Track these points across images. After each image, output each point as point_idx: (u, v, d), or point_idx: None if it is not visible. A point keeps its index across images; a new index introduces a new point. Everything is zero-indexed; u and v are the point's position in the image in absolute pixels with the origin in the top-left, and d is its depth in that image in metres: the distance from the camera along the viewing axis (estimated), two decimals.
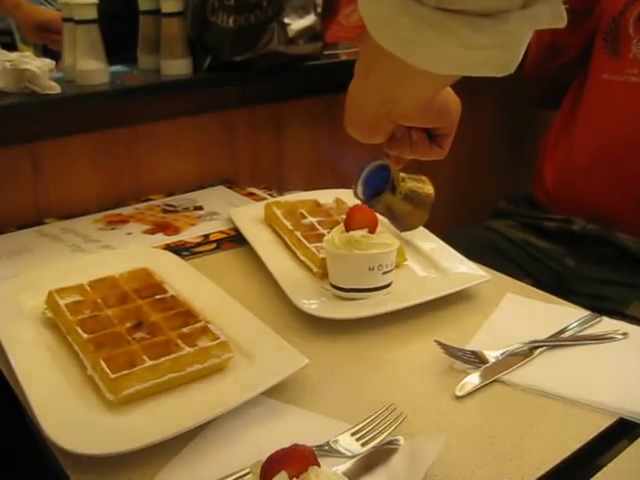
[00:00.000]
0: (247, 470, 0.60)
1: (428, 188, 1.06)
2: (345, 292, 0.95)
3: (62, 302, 0.89)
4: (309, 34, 1.43)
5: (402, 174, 1.02)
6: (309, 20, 1.42)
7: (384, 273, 0.95)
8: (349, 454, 0.67)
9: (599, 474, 0.67)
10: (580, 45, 1.55)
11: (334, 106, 1.64)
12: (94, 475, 0.67)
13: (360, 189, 1.02)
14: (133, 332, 0.84)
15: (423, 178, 1.07)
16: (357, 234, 0.94)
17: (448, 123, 0.79)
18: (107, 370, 0.74)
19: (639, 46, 1.42)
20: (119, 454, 0.67)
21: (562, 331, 0.90)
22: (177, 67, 1.40)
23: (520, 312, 0.96)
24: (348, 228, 0.95)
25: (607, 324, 0.92)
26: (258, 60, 1.38)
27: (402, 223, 1.09)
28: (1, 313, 0.91)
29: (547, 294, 1.01)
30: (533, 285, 1.08)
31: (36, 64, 1.24)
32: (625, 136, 1.42)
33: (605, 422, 0.74)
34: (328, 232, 1.08)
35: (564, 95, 1.59)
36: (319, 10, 1.44)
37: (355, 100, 0.72)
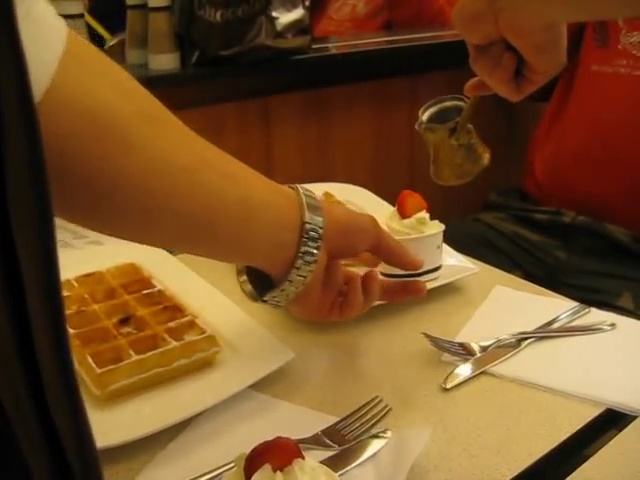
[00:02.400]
0: (233, 464, 0.60)
1: (485, 158, 1.01)
2: (418, 277, 0.95)
3: None
4: (297, 28, 1.43)
5: (471, 126, 0.98)
6: (297, 14, 1.42)
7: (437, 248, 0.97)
8: (336, 447, 0.67)
9: (585, 464, 0.67)
10: (569, 37, 1.55)
11: (323, 100, 1.65)
12: None
13: (426, 114, 0.98)
14: (120, 327, 0.83)
15: (487, 148, 1.03)
16: (423, 215, 0.96)
17: (545, 65, 0.74)
18: (93, 365, 0.74)
19: (628, 37, 1.42)
20: (105, 449, 0.66)
21: (550, 322, 0.90)
22: (165, 62, 1.40)
23: (509, 304, 0.96)
24: (404, 214, 0.95)
25: (596, 315, 0.92)
26: (246, 54, 1.38)
27: (439, 169, 1.03)
28: None
29: (536, 286, 1.01)
30: (524, 277, 1.08)
31: None
32: (614, 127, 1.42)
33: (592, 413, 0.74)
34: None
35: (554, 87, 1.59)
36: (307, 3, 1.43)
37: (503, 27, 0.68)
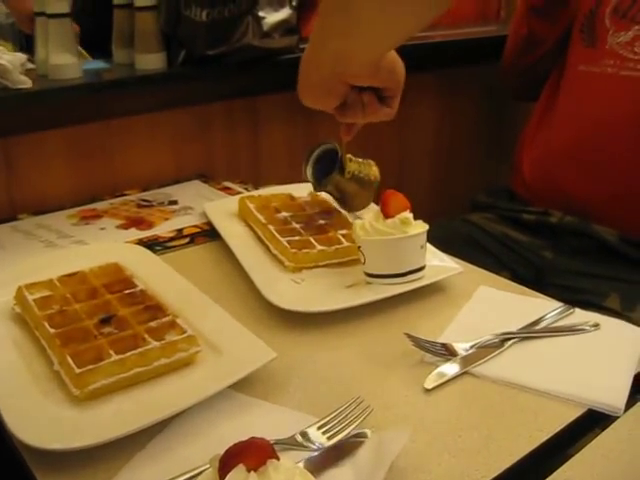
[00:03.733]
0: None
1: (374, 170, 1.09)
2: (401, 277, 0.96)
3: (31, 297, 0.88)
4: (284, 27, 1.43)
5: (349, 155, 1.05)
6: (284, 13, 1.42)
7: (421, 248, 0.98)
8: (315, 447, 0.67)
9: (566, 464, 0.67)
10: (557, 37, 1.55)
11: None
12: (58, 470, 0.66)
13: (310, 170, 1.07)
14: (101, 327, 0.83)
15: (370, 161, 1.10)
16: (406, 215, 0.95)
17: (395, 83, 0.87)
18: (73, 365, 0.74)
19: (615, 37, 1.42)
20: (84, 449, 0.66)
21: (534, 323, 0.90)
22: (151, 61, 1.39)
23: (493, 304, 0.96)
24: (387, 214, 0.95)
25: (580, 315, 0.92)
26: (233, 54, 1.37)
27: (350, 204, 1.11)
28: None
29: (520, 286, 1.01)
30: (511, 278, 1.07)
31: (7, 58, 1.22)
32: (601, 127, 1.42)
33: (574, 413, 0.74)
34: (302, 226, 1.09)
35: (542, 87, 1.59)
36: (294, 3, 1.43)
37: (311, 63, 0.81)
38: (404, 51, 1.73)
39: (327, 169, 1.04)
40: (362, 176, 1.06)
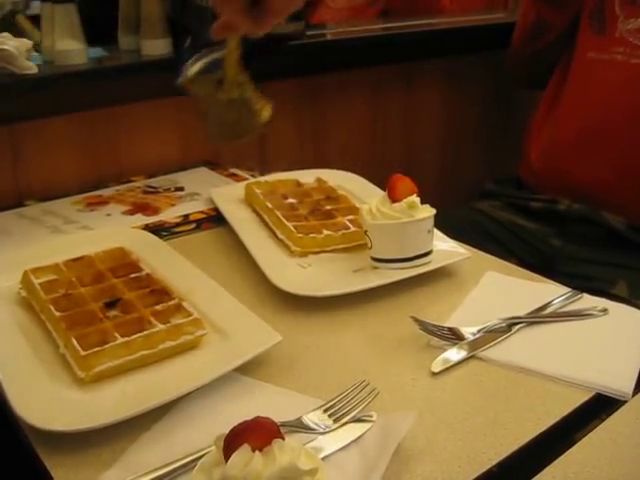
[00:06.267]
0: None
1: (263, 114, 0.92)
2: (408, 261, 0.95)
3: (37, 281, 0.88)
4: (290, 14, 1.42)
5: (243, 78, 0.90)
6: None
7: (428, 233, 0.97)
8: (321, 430, 0.67)
9: (574, 448, 0.66)
10: (565, 24, 1.54)
11: (318, 86, 1.64)
12: (63, 451, 0.66)
13: (191, 66, 0.89)
14: (106, 310, 0.83)
15: (267, 102, 0.94)
16: (413, 199, 0.94)
17: None
18: (78, 347, 0.74)
19: (625, 24, 1.41)
20: (88, 430, 0.66)
21: (542, 308, 0.89)
22: (157, 47, 1.38)
23: (500, 289, 0.96)
24: (394, 198, 0.94)
25: (588, 301, 0.92)
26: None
27: (211, 126, 0.94)
28: None
29: (528, 272, 1.01)
30: (519, 266, 1.07)
31: (13, 44, 1.22)
32: (610, 114, 1.41)
33: (582, 397, 0.74)
34: (308, 212, 1.08)
35: (550, 75, 1.58)
36: None
37: None
38: (412, 38, 1.73)
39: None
40: (245, 106, 0.90)
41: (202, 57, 0.89)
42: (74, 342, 0.75)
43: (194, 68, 0.88)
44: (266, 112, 0.92)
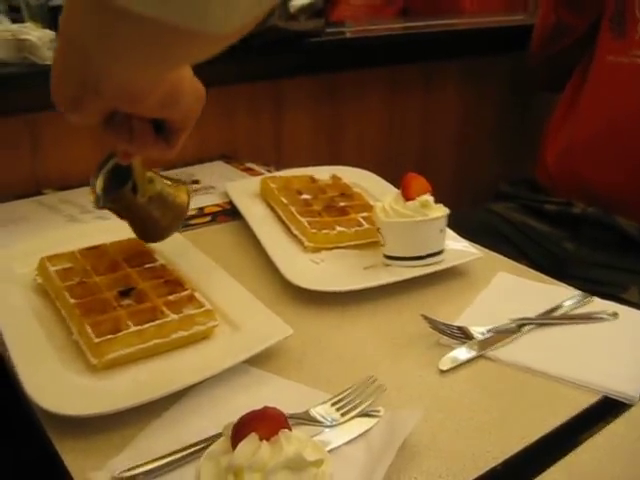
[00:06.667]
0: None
1: (182, 196, 0.92)
2: (420, 260, 0.96)
3: (52, 269, 0.90)
4: (311, 11, 1.43)
5: (151, 174, 0.89)
6: None
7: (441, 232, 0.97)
8: (328, 423, 0.67)
9: (579, 449, 0.67)
10: (585, 26, 1.54)
11: (335, 84, 1.65)
12: (75, 436, 0.67)
13: (100, 181, 0.86)
14: (120, 299, 0.84)
15: (181, 185, 0.94)
16: (427, 198, 0.95)
17: (178, 116, 0.67)
18: (92, 334, 0.75)
19: None
20: (99, 416, 0.67)
21: (552, 310, 0.89)
22: None
23: (511, 290, 0.96)
24: (408, 197, 0.95)
25: (598, 304, 0.92)
26: (258, 36, 1.37)
27: (144, 230, 0.94)
28: None
29: (539, 274, 1.01)
30: (531, 268, 1.07)
31: (36, 34, 1.23)
32: (628, 118, 1.41)
33: (588, 400, 0.74)
34: (322, 208, 1.09)
35: (568, 78, 1.58)
36: None
37: (57, 63, 0.58)
38: (430, 38, 1.74)
39: (122, 185, 0.85)
40: (163, 202, 0.89)
41: (102, 167, 0.86)
42: (88, 329, 0.76)
43: (99, 184, 0.86)
44: (184, 195, 0.92)
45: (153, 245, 0.97)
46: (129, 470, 0.62)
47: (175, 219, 0.93)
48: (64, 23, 0.54)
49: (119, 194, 0.84)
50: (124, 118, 0.65)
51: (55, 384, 0.72)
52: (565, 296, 0.92)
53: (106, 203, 0.86)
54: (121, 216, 0.90)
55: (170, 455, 0.63)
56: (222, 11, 0.39)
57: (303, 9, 1.41)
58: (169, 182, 0.91)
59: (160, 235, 0.94)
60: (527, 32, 1.65)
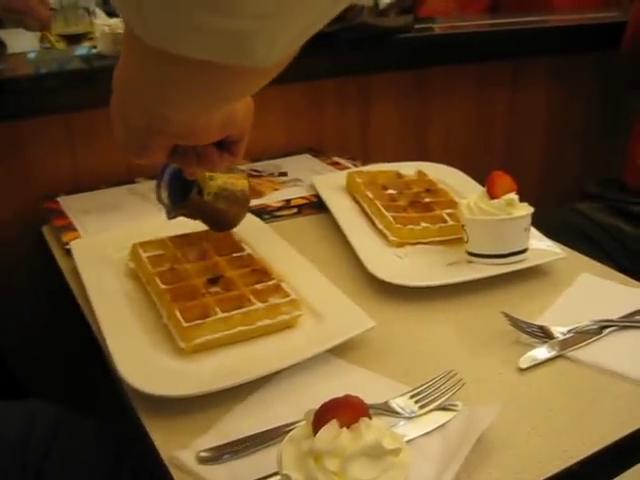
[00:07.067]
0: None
1: (242, 183, 0.95)
2: (504, 258, 0.96)
3: (144, 255, 0.93)
4: (400, 7, 1.43)
5: (206, 173, 0.91)
6: None
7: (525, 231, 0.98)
8: (406, 414, 0.69)
9: None
10: None
11: (423, 80, 1.66)
12: (162, 416, 0.71)
13: (165, 193, 0.89)
14: (209, 286, 0.87)
15: (238, 174, 0.97)
16: (512, 197, 0.95)
17: (236, 131, 0.70)
18: (181, 319, 0.78)
19: None
20: (186, 397, 0.71)
21: (635, 313, 0.88)
22: None
23: (594, 292, 0.95)
24: (493, 195, 0.96)
25: None
26: (348, 31, 1.38)
27: (216, 223, 0.98)
28: (89, 263, 0.96)
29: (623, 276, 0.99)
30: (616, 270, 1.06)
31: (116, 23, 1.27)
32: None
33: None
34: (408, 203, 1.10)
35: None
36: None
37: (118, 118, 0.62)
38: (519, 35, 1.72)
39: (185, 188, 0.88)
40: (227, 193, 0.92)
41: (161, 178, 0.89)
42: (177, 314, 0.79)
43: (164, 195, 0.89)
44: (244, 181, 0.95)
45: (241, 235, 1.00)
46: (213, 450, 0.65)
47: (241, 206, 0.97)
48: (118, 77, 0.58)
49: (187, 201, 0.88)
50: (187, 147, 0.69)
51: (145, 365, 0.75)
52: None
53: (177, 212, 0.90)
54: (193, 217, 0.94)
55: (253, 437, 0.65)
56: (266, 47, 0.40)
57: (392, 5, 1.42)
58: (227, 173, 0.94)
59: (232, 224, 0.98)
60: (619, 30, 1.62)
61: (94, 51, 1.38)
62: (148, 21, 0.39)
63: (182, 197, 0.88)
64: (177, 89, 0.50)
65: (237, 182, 0.95)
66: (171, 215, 0.91)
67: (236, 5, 0.37)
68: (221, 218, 0.96)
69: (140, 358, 0.76)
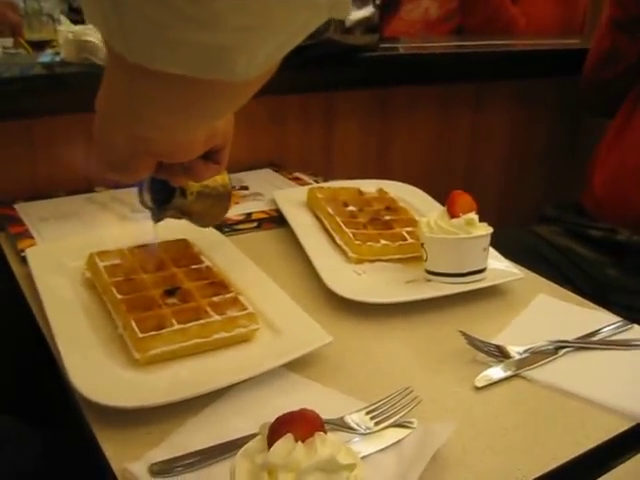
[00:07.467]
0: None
1: (221, 177, 0.94)
2: (462, 277, 0.97)
3: (101, 264, 0.92)
4: (366, 25, 1.44)
5: None
6: (367, 12, 1.43)
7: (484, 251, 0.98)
8: (362, 430, 0.69)
9: (607, 475, 0.67)
10: (638, 53, 1.53)
11: (387, 99, 1.67)
12: (115, 427, 0.69)
13: (148, 197, 0.88)
14: (166, 297, 0.86)
15: (215, 173, 0.92)
16: (472, 216, 0.96)
17: (219, 142, 0.71)
18: (136, 330, 0.77)
19: None
20: (140, 409, 0.69)
21: (591, 334, 0.89)
22: None
23: (550, 312, 0.96)
24: (453, 214, 0.96)
25: (638, 332, 0.91)
26: (313, 47, 1.39)
27: (202, 220, 0.97)
28: (44, 271, 0.94)
29: (580, 298, 1.01)
30: (573, 292, 1.07)
31: (97, 36, 1.27)
32: None
33: (621, 426, 0.74)
34: (368, 221, 1.10)
35: (619, 104, 1.58)
36: (378, 2, 1.44)
37: (102, 142, 0.62)
38: (484, 58, 1.74)
39: (165, 192, 0.87)
40: (209, 190, 0.92)
41: (142, 183, 0.87)
42: (133, 324, 0.78)
43: (147, 199, 0.88)
44: (223, 177, 0.94)
45: (200, 247, 0.99)
46: (166, 462, 0.64)
47: (225, 200, 0.96)
48: (100, 102, 0.59)
49: (172, 204, 0.88)
50: (175, 166, 0.69)
51: (98, 375, 0.74)
52: (605, 322, 0.92)
53: (163, 215, 0.90)
54: (178, 217, 0.93)
55: (207, 450, 0.64)
56: (245, 60, 0.41)
57: (359, 23, 1.43)
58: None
59: (218, 218, 0.99)
60: (581, 56, 1.65)
61: (58, 58, 1.37)
62: (129, 37, 0.40)
63: (165, 198, 0.88)
64: (159, 107, 0.50)
65: (217, 177, 0.94)
66: (157, 218, 0.90)
67: (218, 18, 0.37)
68: (207, 215, 0.95)
69: (94, 368, 0.75)
